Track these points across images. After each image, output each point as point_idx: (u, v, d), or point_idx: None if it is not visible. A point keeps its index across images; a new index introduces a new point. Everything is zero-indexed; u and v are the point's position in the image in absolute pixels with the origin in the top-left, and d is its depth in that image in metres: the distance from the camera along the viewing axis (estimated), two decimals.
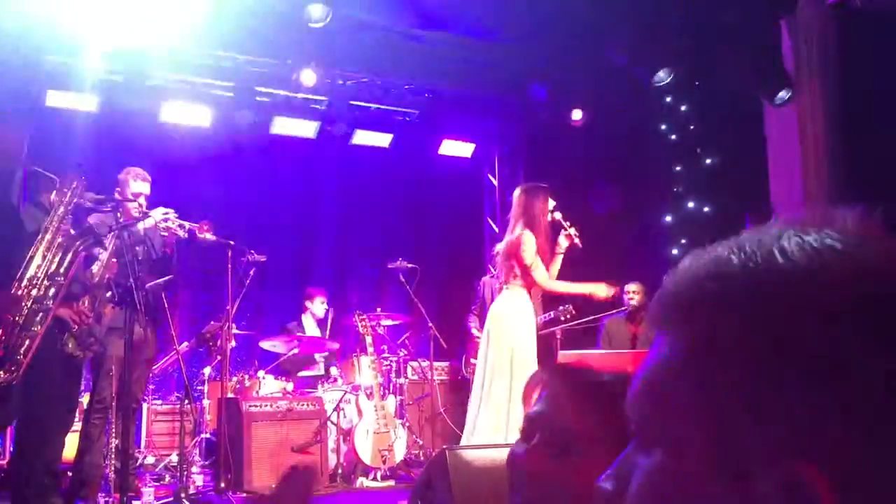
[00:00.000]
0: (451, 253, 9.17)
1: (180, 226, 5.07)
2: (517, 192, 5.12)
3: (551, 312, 6.65)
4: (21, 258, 3.85)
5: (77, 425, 5.01)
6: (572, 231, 5.06)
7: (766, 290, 0.50)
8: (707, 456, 0.50)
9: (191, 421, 6.19)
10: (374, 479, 5.95)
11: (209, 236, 5.22)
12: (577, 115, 8.27)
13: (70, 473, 4.80)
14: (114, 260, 4.35)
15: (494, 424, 4.63)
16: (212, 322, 6.69)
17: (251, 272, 5.82)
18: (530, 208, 4.96)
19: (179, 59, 7.25)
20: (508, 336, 4.80)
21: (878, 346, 0.47)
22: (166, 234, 5.05)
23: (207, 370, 6.79)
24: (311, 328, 7.50)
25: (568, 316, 6.56)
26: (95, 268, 4.34)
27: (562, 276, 5.99)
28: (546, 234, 4.94)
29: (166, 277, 5.09)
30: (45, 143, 6.27)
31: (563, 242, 5.07)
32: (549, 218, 5.01)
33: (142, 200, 5.03)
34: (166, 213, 5.04)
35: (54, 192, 4.15)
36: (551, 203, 5.04)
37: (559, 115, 8.32)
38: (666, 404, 0.52)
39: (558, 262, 5.10)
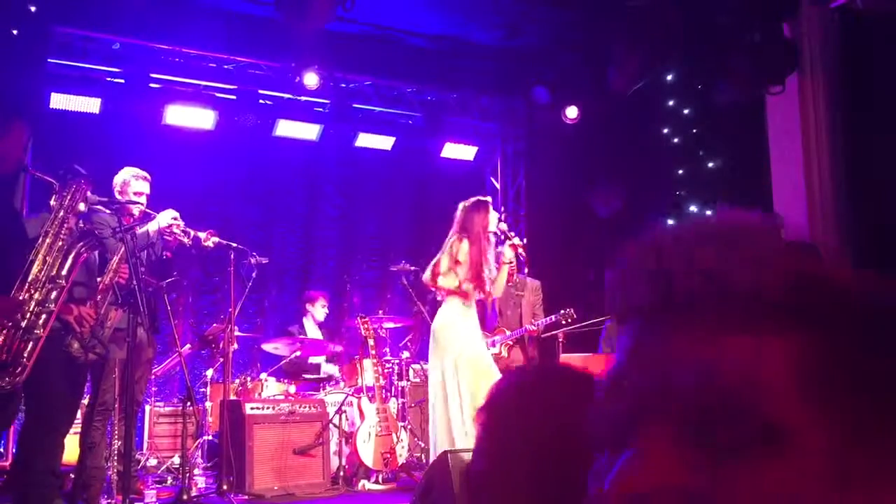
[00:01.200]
0: None
1: (185, 232, 5.05)
2: (459, 207, 5.27)
3: (552, 316, 6.65)
4: (24, 262, 3.86)
5: (78, 427, 5.01)
6: (516, 241, 5.21)
7: None
8: (830, 456, 0.45)
9: (193, 423, 6.19)
10: (376, 481, 5.95)
11: (213, 242, 5.20)
12: (572, 112, 8.27)
13: (72, 476, 4.80)
14: (124, 264, 4.35)
15: (444, 422, 4.93)
16: (214, 324, 6.70)
17: (253, 274, 5.83)
18: (468, 221, 5.13)
19: (183, 62, 7.28)
20: (450, 349, 5.02)
21: None
22: (170, 238, 5.03)
23: (210, 372, 6.80)
24: (312, 331, 7.50)
25: (569, 319, 6.55)
26: (107, 274, 4.34)
27: (564, 280, 5.98)
28: (482, 246, 5.08)
29: (170, 279, 5.09)
30: (47, 145, 6.29)
31: (507, 252, 5.23)
32: (494, 230, 5.16)
33: (143, 200, 5.02)
34: (175, 219, 5.01)
35: (53, 195, 4.16)
36: (494, 215, 5.18)
37: (561, 119, 8.33)
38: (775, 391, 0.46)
39: (504, 271, 5.24)
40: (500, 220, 5.24)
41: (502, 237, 5.23)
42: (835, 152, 6.39)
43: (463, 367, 4.95)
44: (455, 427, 4.92)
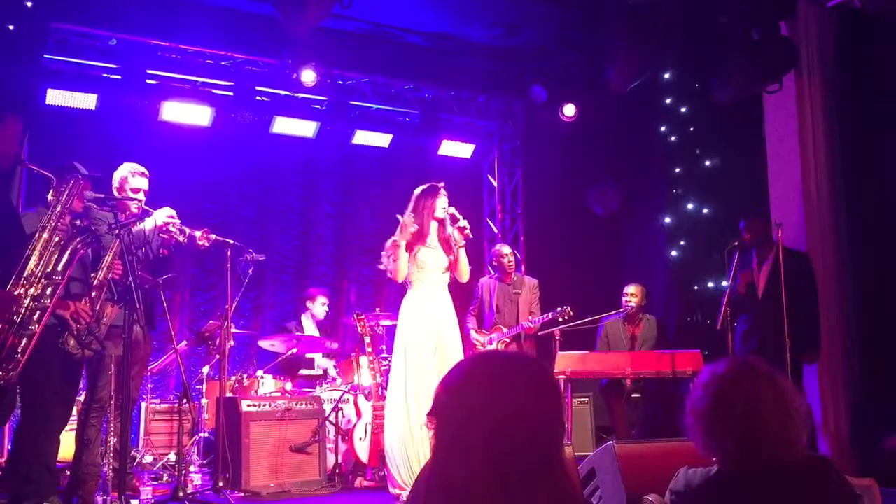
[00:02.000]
0: None
1: (181, 231, 5.03)
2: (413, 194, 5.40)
3: (549, 314, 6.66)
4: (20, 257, 3.85)
5: (74, 424, 5.01)
6: (462, 223, 5.30)
7: None
8: None
9: (189, 420, 6.18)
10: (373, 479, 5.95)
11: (208, 241, 5.18)
12: (569, 110, 8.27)
13: (68, 472, 4.79)
14: (118, 260, 4.34)
15: (394, 419, 5.04)
16: (210, 321, 6.69)
17: (250, 271, 5.81)
18: (416, 206, 5.27)
19: (180, 59, 7.26)
20: (400, 335, 5.17)
21: None
22: (166, 236, 5.01)
23: (206, 369, 6.79)
24: (310, 328, 7.50)
25: (566, 317, 6.56)
26: (101, 270, 4.33)
27: (562, 278, 5.93)
28: (425, 226, 5.22)
29: (166, 276, 5.08)
30: (44, 141, 6.28)
31: (457, 236, 5.31)
32: (442, 214, 5.27)
33: (141, 196, 5.00)
34: (171, 216, 4.99)
35: (51, 190, 4.15)
36: (443, 200, 5.28)
37: (559, 117, 8.33)
38: None
39: (461, 254, 5.34)
40: (448, 204, 5.31)
41: (450, 221, 5.29)
42: (832, 151, 6.40)
43: (410, 357, 5.06)
44: (397, 419, 5.01)
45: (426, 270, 5.22)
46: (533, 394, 1.26)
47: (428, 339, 5.06)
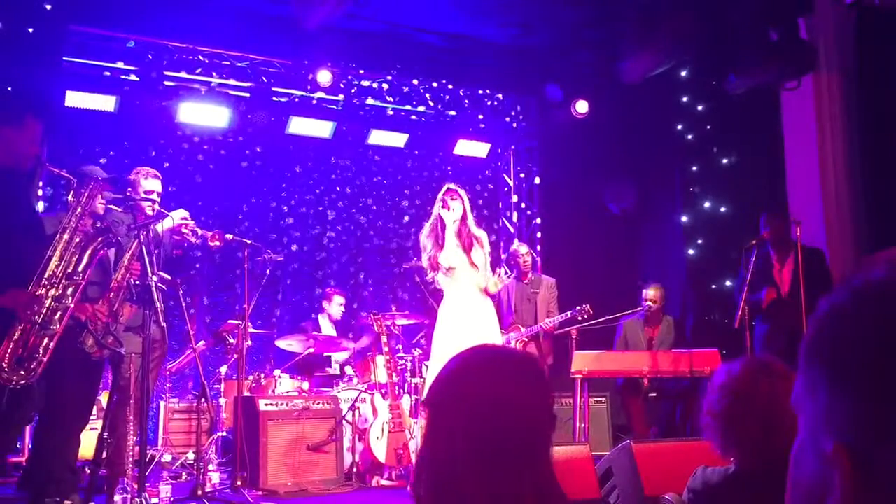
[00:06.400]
0: None
1: (193, 232, 5.06)
2: None
3: (568, 312, 6.63)
4: (41, 258, 3.89)
5: (94, 423, 5.05)
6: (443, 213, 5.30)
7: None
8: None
9: (207, 419, 6.22)
10: (389, 478, 5.96)
11: (219, 242, 5.21)
12: (581, 107, 8.24)
13: (88, 470, 4.83)
14: (136, 261, 4.38)
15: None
16: (228, 321, 6.73)
17: (267, 272, 5.84)
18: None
19: (197, 60, 7.31)
20: (435, 337, 5.28)
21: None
22: (179, 237, 5.05)
23: (224, 369, 6.83)
24: (326, 328, 7.52)
25: (585, 316, 6.53)
26: (119, 271, 4.36)
27: (581, 275, 5.85)
28: (432, 226, 5.28)
29: (184, 276, 5.12)
30: (63, 143, 6.34)
31: (492, 283, 5.35)
32: (441, 213, 5.27)
33: (154, 198, 5.03)
34: (185, 218, 5.02)
35: (71, 192, 4.19)
36: (448, 200, 5.28)
37: (574, 116, 8.31)
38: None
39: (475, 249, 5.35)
40: (457, 198, 5.32)
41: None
42: (850, 148, 6.35)
43: (442, 360, 5.07)
44: None
45: (452, 273, 5.23)
46: (518, 385, 1.29)
47: (461, 341, 5.06)
